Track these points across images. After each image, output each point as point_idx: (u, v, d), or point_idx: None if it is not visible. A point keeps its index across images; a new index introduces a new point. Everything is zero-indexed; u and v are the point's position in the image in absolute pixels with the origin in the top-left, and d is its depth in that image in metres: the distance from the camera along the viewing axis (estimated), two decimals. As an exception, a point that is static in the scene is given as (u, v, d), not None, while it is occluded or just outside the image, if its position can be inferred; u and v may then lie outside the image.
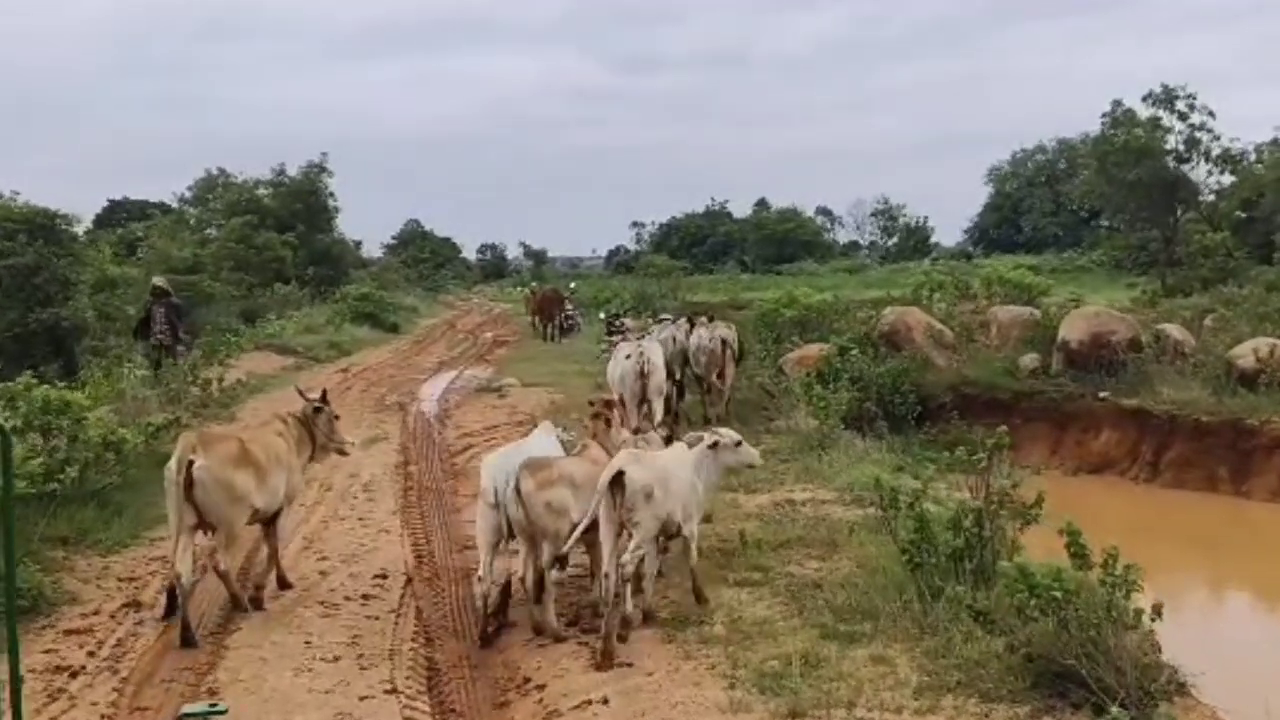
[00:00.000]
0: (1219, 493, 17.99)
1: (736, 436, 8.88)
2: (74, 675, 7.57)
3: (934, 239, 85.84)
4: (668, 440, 9.55)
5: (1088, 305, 24.56)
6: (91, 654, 7.98)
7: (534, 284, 52.94)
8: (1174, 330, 21.52)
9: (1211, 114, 39.55)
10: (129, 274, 30.70)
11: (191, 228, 48.68)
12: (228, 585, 8.88)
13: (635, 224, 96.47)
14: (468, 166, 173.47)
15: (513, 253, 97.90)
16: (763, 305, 27.52)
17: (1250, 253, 38.12)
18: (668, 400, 16.75)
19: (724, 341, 17.04)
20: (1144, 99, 39.90)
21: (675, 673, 7.16)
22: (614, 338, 21.00)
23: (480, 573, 8.41)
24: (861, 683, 6.74)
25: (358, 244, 64.54)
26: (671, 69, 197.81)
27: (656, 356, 14.80)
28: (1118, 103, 40.50)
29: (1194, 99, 39.41)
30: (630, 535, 7.81)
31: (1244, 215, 40.84)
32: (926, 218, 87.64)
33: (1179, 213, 41.61)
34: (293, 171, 49.00)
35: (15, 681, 5.01)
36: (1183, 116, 39.68)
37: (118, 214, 62.52)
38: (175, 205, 57.00)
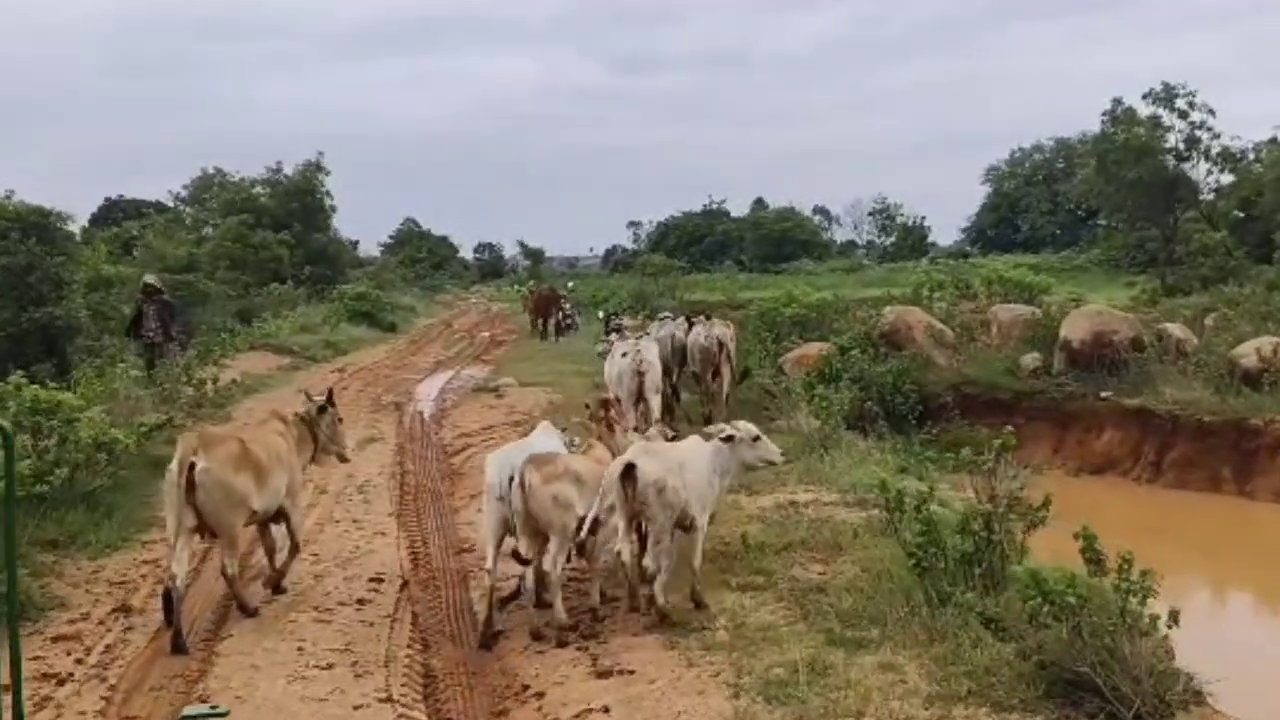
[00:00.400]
0: (1222, 493, 17.84)
1: (755, 431, 8.75)
2: (61, 683, 7.39)
3: (931, 238, 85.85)
4: (671, 438, 9.41)
5: (1089, 304, 24.42)
6: (79, 661, 7.79)
7: (532, 283, 52.76)
8: (1176, 329, 21.38)
9: (1211, 112, 39.54)
10: (124, 273, 30.48)
11: (188, 227, 48.50)
12: (234, 589, 8.71)
13: (632, 223, 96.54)
14: (465, 166, 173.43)
15: (510, 252, 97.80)
16: (762, 305, 27.37)
17: (1249, 252, 38.04)
18: (666, 399, 16.63)
19: (720, 341, 16.88)
20: (1144, 97, 39.88)
21: (678, 681, 6.98)
22: (611, 336, 20.84)
23: (487, 564, 8.38)
24: (870, 691, 6.56)
25: (354, 243, 64.59)
26: (670, 69, 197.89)
27: (652, 355, 14.73)
28: (1118, 101, 40.45)
29: (1194, 97, 39.39)
30: (647, 530, 7.83)
31: (1242, 214, 40.75)
32: (924, 217, 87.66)
33: (1178, 212, 41.51)
34: (289, 170, 48.86)
35: (17, 682, 4.97)
36: (1183, 115, 39.63)
37: (113, 213, 62.31)
38: (171, 204, 56.90)
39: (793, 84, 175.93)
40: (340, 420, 10.09)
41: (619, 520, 7.94)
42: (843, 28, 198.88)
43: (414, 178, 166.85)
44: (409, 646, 8.13)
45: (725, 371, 16.94)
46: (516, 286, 60.63)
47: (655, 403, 14.35)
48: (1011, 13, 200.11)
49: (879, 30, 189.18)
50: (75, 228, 32.26)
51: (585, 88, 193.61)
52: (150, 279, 20.48)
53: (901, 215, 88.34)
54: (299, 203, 47.56)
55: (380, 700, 7.13)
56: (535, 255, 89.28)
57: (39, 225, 23.57)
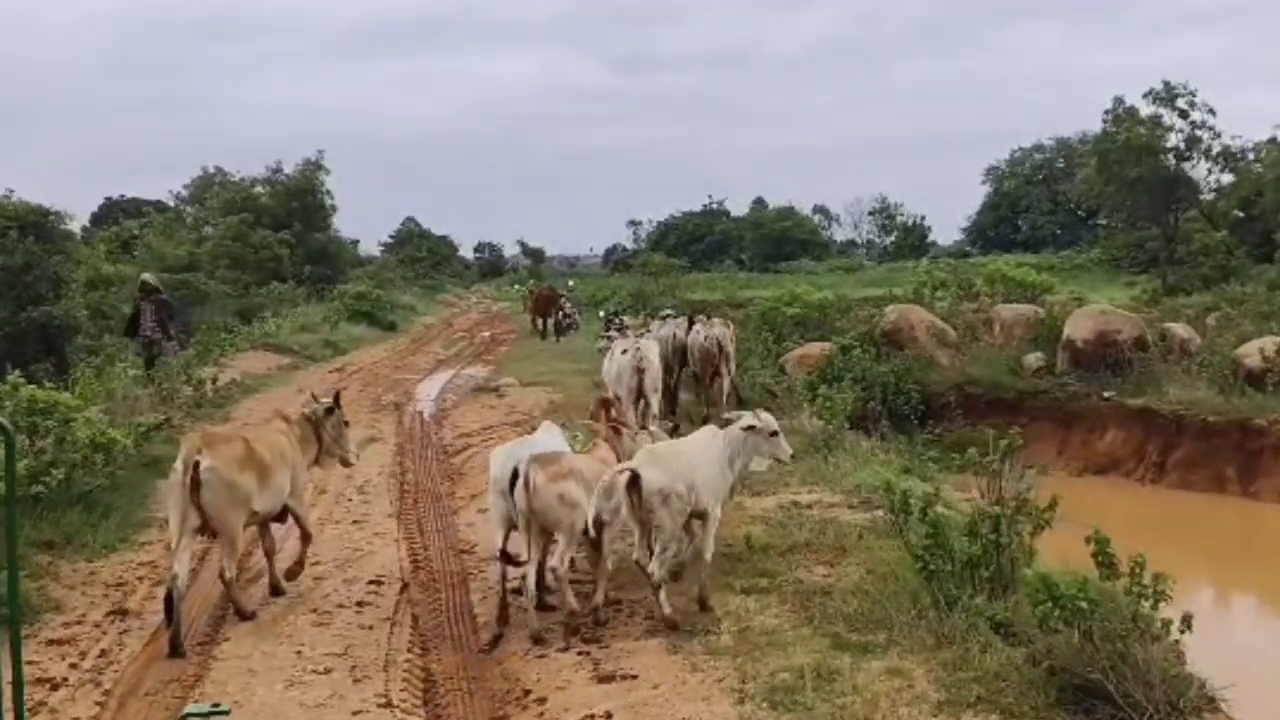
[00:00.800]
0: (1226, 493, 17.76)
1: (775, 425, 8.74)
2: (55, 688, 7.28)
3: (931, 238, 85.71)
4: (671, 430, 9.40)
5: (1092, 304, 24.33)
6: (74, 665, 7.68)
7: (532, 283, 52.63)
8: (1180, 329, 21.32)
9: (1212, 111, 39.52)
10: (123, 272, 30.40)
11: (188, 226, 48.39)
12: (231, 593, 8.61)
13: (632, 222, 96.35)
14: (465, 165, 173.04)
15: (510, 251, 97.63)
16: (763, 304, 27.27)
17: (1249, 252, 37.96)
18: (668, 398, 16.54)
19: (719, 342, 16.78)
20: (1145, 96, 39.84)
21: (682, 686, 6.87)
22: (611, 333, 20.74)
23: (496, 553, 8.41)
24: (877, 697, 6.45)
25: (355, 243, 64.41)
26: (670, 69, 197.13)
27: (652, 353, 14.66)
28: (1119, 100, 40.43)
29: (1194, 97, 39.36)
30: (657, 542, 7.87)
31: (1242, 214, 40.67)
32: (924, 216, 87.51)
33: (1178, 211, 41.45)
34: (289, 170, 48.71)
35: (18, 683, 4.93)
36: (1183, 114, 39.59)
37: (114, 212, 62.19)
38: (172, 204, 56.78)
39: (793, 83, 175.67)
40: (346, 423, 10.00)
41: (633, 527, 8.01)
42: (843, 27, 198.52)
43: (414, 177, 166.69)
44: (408, 650, 8.02)
45: (724, 372, 16.84)
46: (516, 286, 60.52)
47: (655, 401, 14.28)
48: (1012, 12, 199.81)
49: (879, 29, 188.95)
50: (76, 227, 32.20)
51: (585, 87, 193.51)
52: (148, 277, 20.36)
53: (901, 215, 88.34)
54: (299, 202, 47.43)
55: (379, 705, 7.02)
56: (535, 254, 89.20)
57: (37, 224, 23.49)
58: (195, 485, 8.19)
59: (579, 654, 7.62)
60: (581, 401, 16.57)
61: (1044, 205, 74.61)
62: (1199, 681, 6.41)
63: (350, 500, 12.53)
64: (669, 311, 20.71)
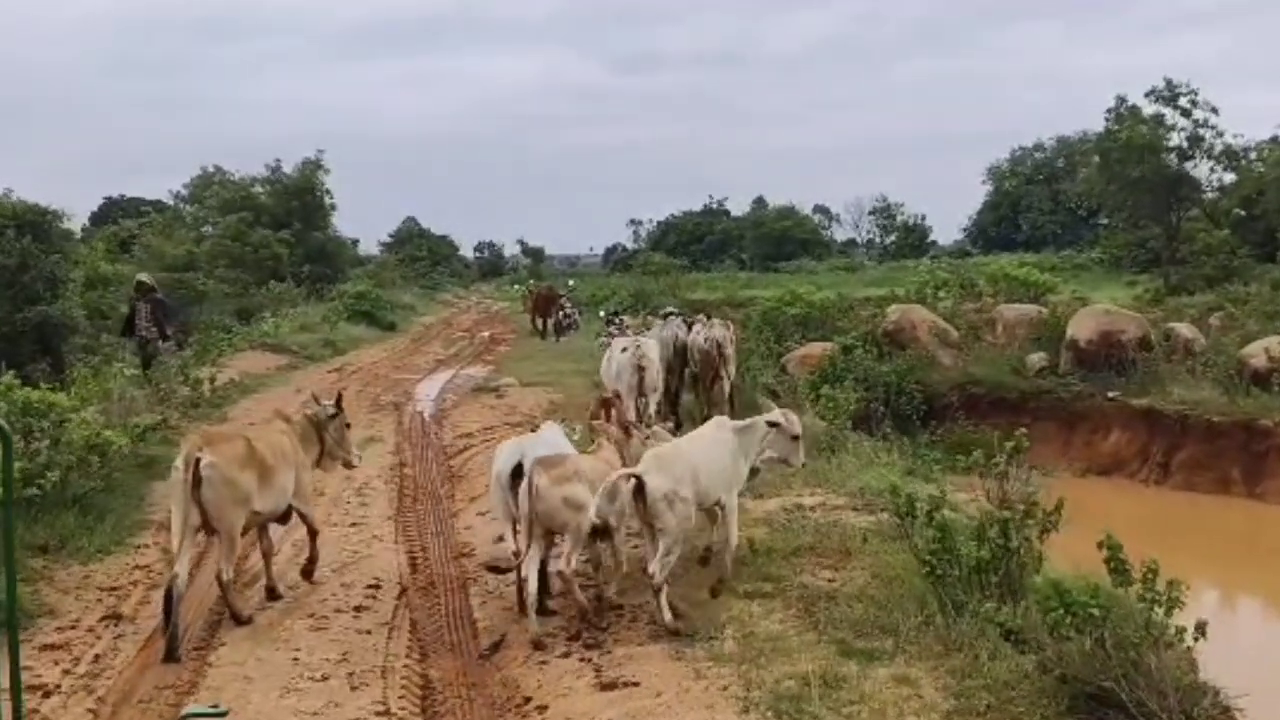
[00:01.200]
0: (1231, 495, 17.66)
1: (798, 429, 8.81)
2: (47, 695, 7.16)
3: (932, 237, 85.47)
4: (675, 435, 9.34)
5: (1095, 303, 24.20)
6: (67, 671, 7.56)
7: (532, 282, 52.47)
8: (1184, 329, 21.20)
9: (1214, 110, 39.32)
10: (121, 271, 30.29)
11: (188, 225, 48.23)
12: (228, 596, 8.50)
13: (632, 222, 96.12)
14: (465, 165, 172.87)
15: (510, 251, 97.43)
16: (764, 304, 27.14)
17: (1252, 251, 37.79)
18: (670, 397, 16.42)
19: (718, 343, 16.64)
20: (1147, 95, 39.64)
21: (685, 694, 6.72)
22: (611, 329, 20.64)
23: (511, 549, 8.49)
24: (885, 706, 6.31)
25: (355, 242, 64.21)
26: (670, 68, 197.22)
27: (652, 351, 14.61)
28: (1122, 99, 40.22)
29: (1196, 95, 39.17)
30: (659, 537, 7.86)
31: (1244, 214, 40.49)
32: (924, 216, 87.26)
33: (1180, 211, 41.30)
34: (288, 169, 48.52)
35: (16, 684, 4.89)
36: (1185, 113, 39.40)
37: (113, 212, 62.07)
38: (171, 203, 56.60)
39: (793, 83, 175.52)
40: (349, 426, 10.00)
41: (643, 531, 8.05)
42: (843, 26, 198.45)
43: (414, 177, 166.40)
44: (407, 656, 7.89)
45: (724, 374, 16.71)
46: (516, 285, 60.34)
47: (653, 399, 14.22)
48: (1012, 12, 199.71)
49: (879, 29, 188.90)
50: (75, 226, 32.11)
51: (585, 87, 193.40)
52: (143, 277, 20.22)
53: (902, 214, 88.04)
54: (298, 201, 47.26)
55: (377, 714, 6.90)
56: (535, 254, 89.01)
57: (35, 223, 23.35)
58: (196, 483, 8.15)
59: (580, 660, 7.49)
60: (582, 402, 16.44)
61: (1044, 205, 74.31)
62: (1213, 690, 6.28)
63: (348, 502, 12.40)
64: (671, 309, 20.58)
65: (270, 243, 42.06)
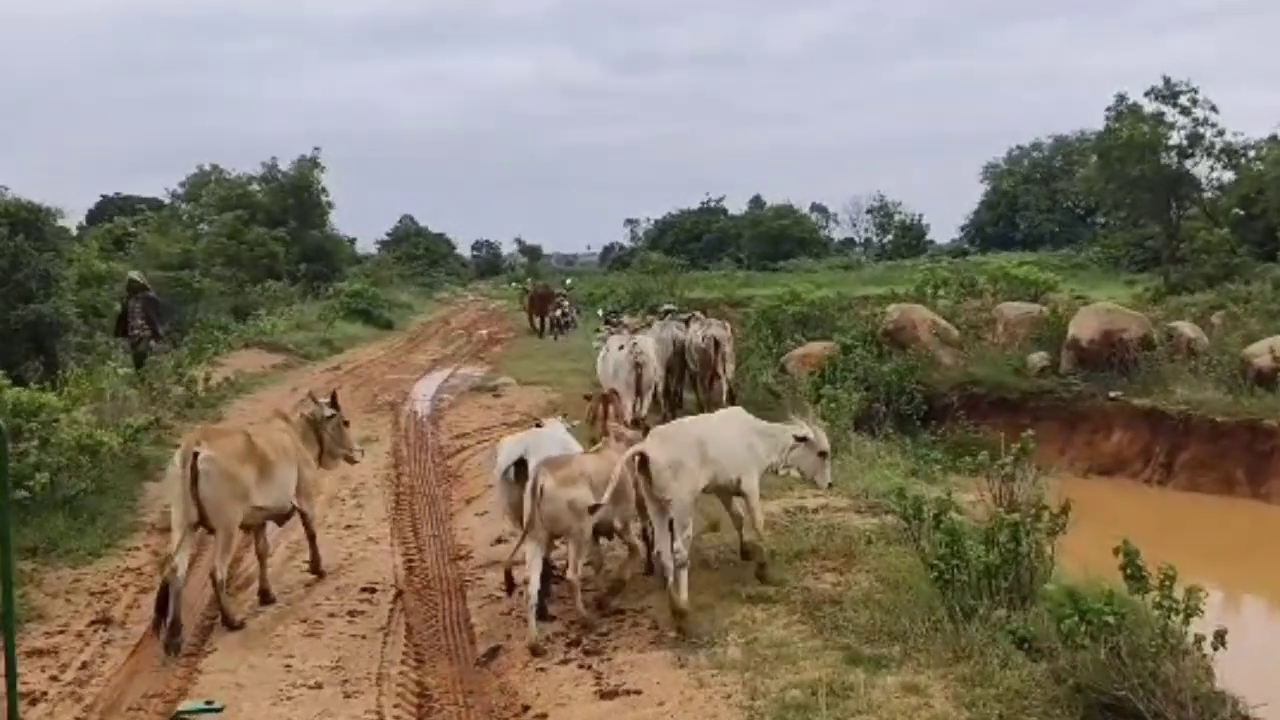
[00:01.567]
0: (1235, 496, 17.44)
1: (826, 445, 8.79)
2: (34, 702, 6.99)
3: (929, 236, 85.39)
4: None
5: (1097, 302, 24.02)
6: (55, 678, 7.39)
7: (529, 280, 52.28)
8: (1186, 328, 21.00)
9: (1214, 108, 39.20)
10: (116, 269, 30.01)
11: (184, 223, 48.01)
12: (220, 597, 8.35)
13: (630, 221, 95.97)
14: (463, 164, 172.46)
15: (508, 249, 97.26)
16: (763, 303, 26.96)
17: (1251, 250, 37.66)
18: (670, 397, 16.29)
19: (715, 340, 16.50)
20: (1146, 94, 39.52)
21: (688, 703, 6.55)
22: (608, 327, 20.47)
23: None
24: (894, 715, 6.13)
25: (352, 240, 63.91)
26: (667, 67, 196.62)
27: (649, 349, 14.51)
28: (1122, 97, 40.09)
29: (1196, 93, 39.05)
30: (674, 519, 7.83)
31: (1242, 213, 40.37)
32: (922, 215, 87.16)
33: (1180, 209, 41.19)
34: (285, 166, 48.33)
35: (12, 683, 4.88)
36: (1185, 111, 39.28)
37: (109, 210, 61.79)
38: (168, 201, 56.36)
39: (791, 82, 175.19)
40: (346, 424, 9.98)
41: (651, 513, 8.01)
42: (842, 26, 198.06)
43: (412, 175, 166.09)
44: (402, 663, 7.72)
45: (722, 372, 16.57)
46: (514, 284, 60.16)
47: (648, 398, 14.16)
48: (1011, 12, 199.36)
49: (877, 29, 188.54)
50: (71, 224, 31.84)
51: (583, 86, 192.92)
52: (135, 275, 20.03)
53: (900, 213, 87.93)
54: (295, 199, 47.07)
55: (371, 723, 6.73)
56: (533, 253, 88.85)
57: (29, 221, 23.07)
58: (194, 477, 8.11)
59: (580, 667, 7.31)
60: (581, 401, 16.27)
61: (1042, 204, 74.20)
62: (1232, 700, 6.11)
63: (343, 504, 12.24)
64: (670, 306, 20.42)
65: (266, 241, 41.83)
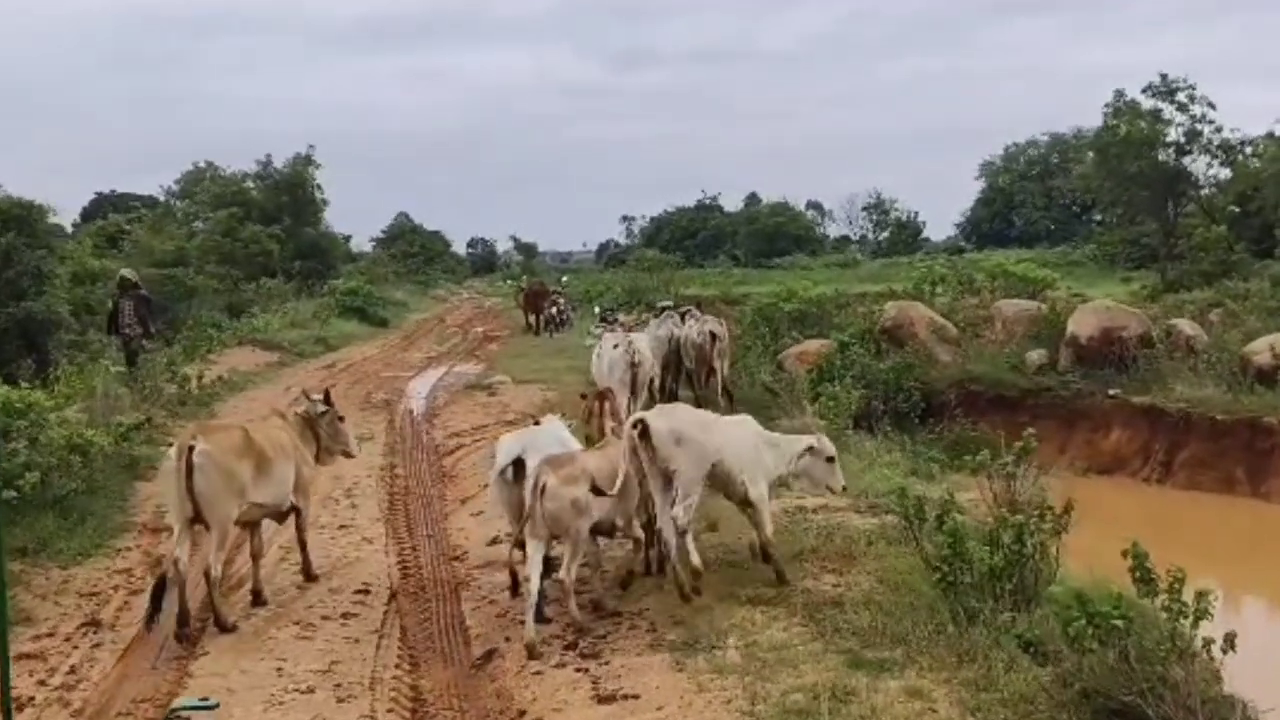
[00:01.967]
0: (1235, 494, 17.34)
1: (832, 450, 8.69)
2: (20, 707, 6.83)
3: (925, 233, 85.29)
4: None
5: (1095, 300, 23.91)
6: (42, 683, 7.26)
7: (525, 278, 52.16)
8: (1186, 326, 20.91)
9: (1211, 105, 39.15)
10: (109, 267, 29.84)
11: (179, 221, 47.82)
12: (213, 596, 8.23)
13: (626, 218, 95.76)
14: (458, 161, 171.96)
15: (503, 247, 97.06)
16: (760, 300, 26.83)
17: (1247, 247, 37.60)
18: (666, 394, 16.20)
19: (712, 335, 16.40)
20: (1144, 91, 39.47)
21: (688, 708, 6.42)
22: (604, 324, 20.40)
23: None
24: (897, 721, 6.03)
25: (347, 238, 63.68)
26: (664, 65, 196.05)
27: (644, 348, 14.45)
28: (1120, 93, 40.02)
29: (1194, 90, 38.99)
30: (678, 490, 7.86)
31: (1239, 209, 40.32)
32: (918, 212, 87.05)
33: (1177, 206, 41.13)
34: (279, 164, 48.14)
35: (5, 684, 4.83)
36: (1182, 108, 39.23)
37: (104, 208, 61.53)
38: (162, 198, 56.16)
39: (786, 79, 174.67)
40: (342, 419, 9.89)
41: (652, 483, 7.98)
42: (837, 23, 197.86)
43: (407, 173, 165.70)
44: (396, 666, 7.59)
45: (719, 368, 16.48)
46: (509, 281, 60.01)
47: (642, 397, 14.10)
48: (1007, 9, 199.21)
49: (873, 26, 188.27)
50: (66, 221, 31.76)
51: (579, 83, 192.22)
52: (126, 272, 19.85)
53: (895, 210, 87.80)
54: (289, 196, 46.92)
55: (365, 728, 6.60)
56: (528, 250, 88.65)
57: (20, 218, 22.93)
58: (189, 471, 8.05)
59: (577, 671, 7.18)
60: (577, 399, 16.15)
61: (1038, 201, 74.14)
62: (1241, 704, 6.00)
63: (337, 503, 12.11)
64: (667, 303, 20.30)
65: (261, 238, 41.69)
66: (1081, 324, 20.39)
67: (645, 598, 8.20)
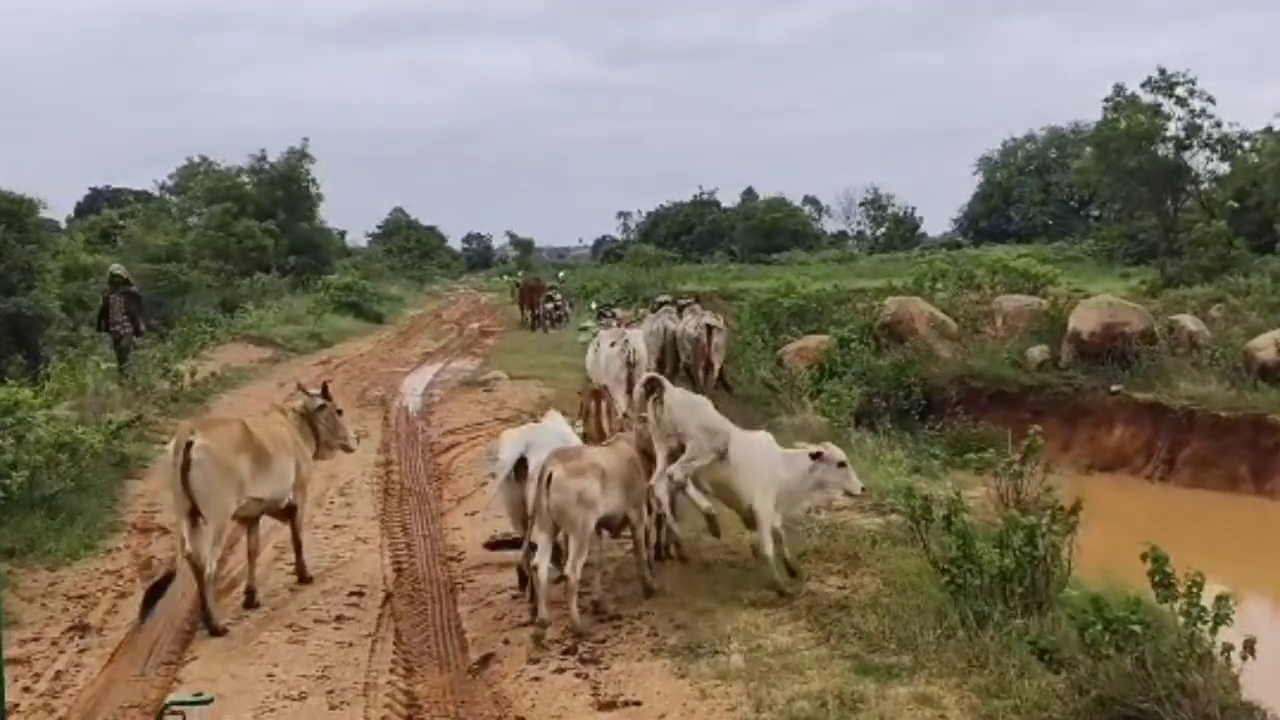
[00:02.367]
0: (1239, 492, 17.19)
1: (841, 455, 8.47)
2: (5, 715, 6.63)
3: (923, 229, 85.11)
4: None
5: (1096, 295, 23.74)
6: (27, 689, 7.06)
7: (520, 273, 51.96)
8: (1188, 321, 20.77)
9: (1211, 100, 39.01)
10: (102, 262, 29.65)
11: (173, 216, 47.57)
12: (205, 595, 8.04)
13: (622, 214, 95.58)
14: (454, 157, 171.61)
15: (499, 242, 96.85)
16: (759, 295, 26.67)
17: (1246, 242, 37.44)
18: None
19: (709, 329, 16.20)
20: (1143, 85, 39.31)
21: (690, 715, 6.23)
22: (601, 320, 20.18)
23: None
24: (907, 729, 5.84)
25: (342, 233, 63.47)
26: (660, 60, 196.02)
27: (641, 345, 14.23)
28: (1120, 88, 39.84)
29: (1194, 85, 38.85)
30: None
31: (1238, 205, 40.17)
32: (915, 208, 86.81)
33: (1176, 201, 40.99)
34: (274, 158, 47.87)
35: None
36: (1181, 103, 39.09)
37: (98, 203, 61.23)
38: (157, 194, 55.89)
39: (783, 75, 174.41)
40: (340, 412, 9.75)
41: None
42: (834, 19, 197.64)
43: (403, 169, 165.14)
44: (391, 672, 7.38)
45: (716, 362, 16.27)
46: (505, 276, 59.81)
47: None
48: (1005, 4, 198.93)
49: (870, 21, 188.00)
50: (59, 217, 31.58)
51: (575, 79, 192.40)
52: (116, 269, 19.61)
53: (893, 205, 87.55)
54: (284, 190, 46.64)
55: (358, 737, 6.41)
56: (524, 245, 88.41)
57: (10, 213, 22.74)
58: (186, 465, 7.93)
59: (577, 676, 6.98)
60: (574, 396, 15.98)
61: (1036, 196, 73.98)
62: (1260, 711, 5.83)
63: (332, 502, 11.91)
64: (666, 298, 20.09)
65: (255, 233, 41.47)
66: (1083, 319, 20.23)
67: (645, 601, 8.01)
